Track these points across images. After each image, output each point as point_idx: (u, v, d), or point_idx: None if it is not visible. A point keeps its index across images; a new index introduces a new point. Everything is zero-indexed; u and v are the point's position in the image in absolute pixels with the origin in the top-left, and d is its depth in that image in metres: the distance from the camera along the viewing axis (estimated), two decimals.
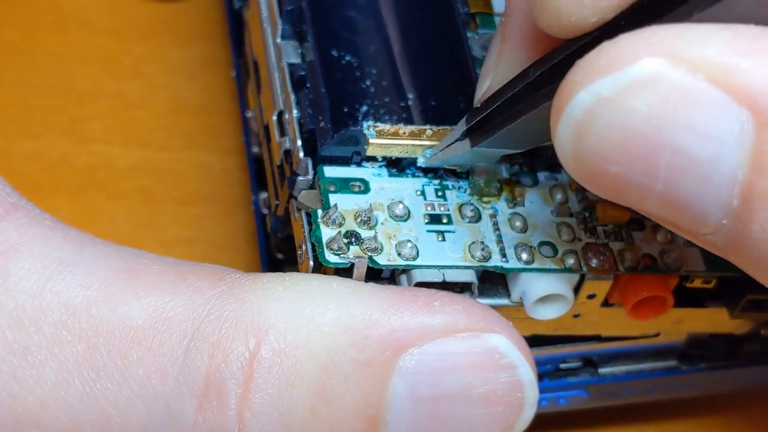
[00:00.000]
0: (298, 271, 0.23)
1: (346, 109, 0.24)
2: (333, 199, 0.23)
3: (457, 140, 0.23)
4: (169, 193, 0.32)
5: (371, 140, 0.23)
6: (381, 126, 0.24)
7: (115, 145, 0.33)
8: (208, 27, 0.35)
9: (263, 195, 0.27)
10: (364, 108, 0.25)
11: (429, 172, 0.24)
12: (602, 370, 0.27)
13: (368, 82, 0.25)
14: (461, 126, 0.23)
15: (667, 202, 0.18)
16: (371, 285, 0.21)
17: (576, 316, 0.24)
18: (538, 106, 0.20)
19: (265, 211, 0.27)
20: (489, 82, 0.23)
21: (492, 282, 0.23)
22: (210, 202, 0.32)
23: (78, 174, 0.32)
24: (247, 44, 0.29)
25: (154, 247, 0.31)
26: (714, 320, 0.25)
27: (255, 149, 0.28)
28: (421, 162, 0.24)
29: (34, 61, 0.33)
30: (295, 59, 0.25)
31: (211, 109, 0.34)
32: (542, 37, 0.21)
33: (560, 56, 0.20)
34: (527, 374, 0.21)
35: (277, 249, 0.27)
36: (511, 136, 0.22)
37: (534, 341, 0.25)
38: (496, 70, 0.23)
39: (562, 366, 0.26)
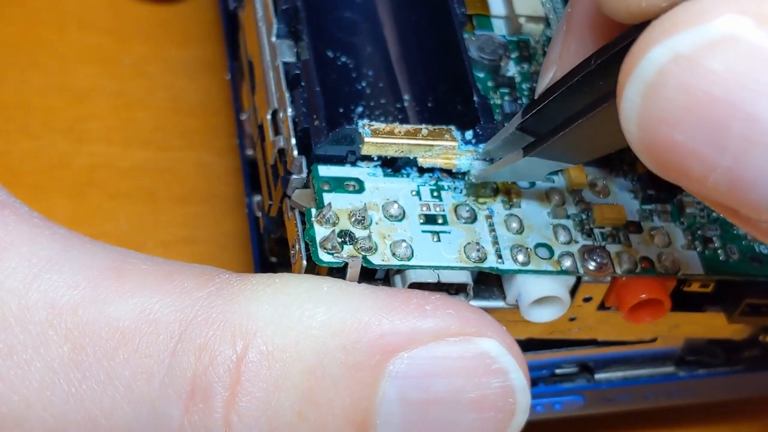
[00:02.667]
0: (291, 271, 0.22)
1: (341, 110, 0.24)
2: (327, 198, 0.22)
3: (510, 138, 0.22)
4: (169, 192, 0.32)
5: (366, 139, 0.22)
6: (376, 125, 0.23)
7: (115, 145, 0.32)
8: (208, 27, 0.35)
9: (257, 198, 0.27)
10: (360, 109, 0.24)
11: (425, 172, 0.23)
12: (598, 376, 0.26)
13: (364, 83, 0.24)
14: (517, 118, 0.21)
15: (731, 180, 0.17)
16: (363, 287, 0.20)
17: (572, 319, 0.23)
18: (597, 102, 0.19)
19: (259, 213, 0.26)
20: (551, 73, 0.22)
21: (487, 283, 0.23)
22: (210, 201, 0.32)
23: (78, 174, 0.31)
24: (242, 45, 0.28)
25: (154, 246, 0.31)
26: (712, 325, 0.24)
27: (249, 152, 0.28)
28: (472, 177, 0.23)
29: (35, 61, 0.33)
30: (290, 58, 0.24)
31: (211, 109, 0.33)
32: (608, 25, 0.20)
33: (624, 43, 0.18)
34: (519, 380, 0.20)
35: (271, 252, 0.26)
36: (567, 146, 0.20)
37: (529, 345, 0.24)
38: (560, 62, 0.22)
39: (558, 371, 0.26)
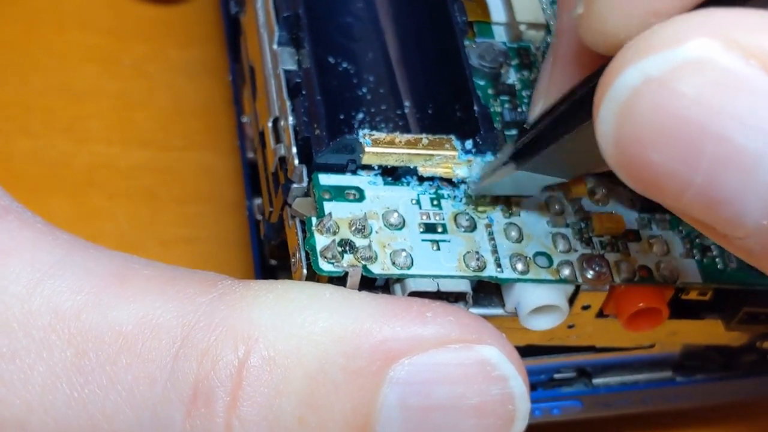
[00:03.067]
0: (291, 277, 0.23)
1: (342, 117, 0.24)
2: (327, 207, 0.22)
3: (502, 164, 0.22)
4: (170, 192, 0.32)
5: (367, 149, 0.23)
6: (377, 134, 0.23)
7: (116, 145, 0.32)
8: (208, 28, 0.35)
9: (257, 201, 0.27)
10: (360, 115, 0.24)
11: (424, 180, 0.23)
12: (597, 381, 0.26)
13: (364, 90, 0.25)
14: (508, 148, 0.22)
15: (705, 197, 0.17)
16: (364, 294, 0.21)
17: (570, 326, 0.24)
18: (584, 122, 0.19)
19: (259, 217, 0.26)
20: (541, 105, 0.22)
21: (486, 292, 0.23)
22: (210, 201, 0.32)
23: (78, 174, 0.32)
24: (243, 49, 0.28)
25: (154, 246, 0.31)
26: (710, 332, 0.25)
27: (250, 154, 0.28)
28: (469, 190, 0.23)
29: (35, 61, 0.33)
30: (292, 66, 0.24)
31: (211, 109, 0.33)
32: (593, 56, 0.20)
33: None
34: (519, 387, 0.20)
35: (271, 255, 0.26)
36: (557, 159, 0.21)
37: (528, 351, 0.24)
38: (547, 94, 0.22)
39: (556, 376, 0.26)
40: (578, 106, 0.20)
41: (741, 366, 0.26)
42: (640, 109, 0.17)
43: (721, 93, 0.16)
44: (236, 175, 0.32)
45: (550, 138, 0.21)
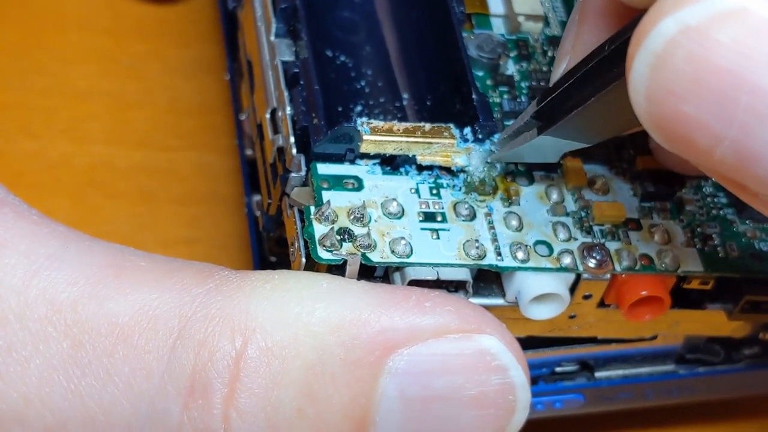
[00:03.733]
0: (290, 269, 0.22)
1: (340, 108, 0.24)
2: (326, 196, 0.22)
3: (525, 125, 0.22)
4: (169, 192, 0.32)
5: (365, 137, 0.22)
6: (375, 122, 0.23)
7: (115, 145, 0.32)
8: (206, 28, 0.35)
9: (256, 197, 0.27)
10: (359, 107, 0.24)
11: (423, 169, 0.23)
12: (599, 374, 0.26)
13: (363, 82, 0.24)
14: (531, 107, 0.22)
15: (738, 152, 0.17)
16: (362, 283, 0.20)
17: (572, 317, 0.23)
18: (610, 84, 0.19)
19: (258, 213, 0.26)
20: (565, 64, 0.22)
21: (487, 281, 0.23)
22: (209, 201, 0.32)
23: (77, 174, 0.31)
24: (241, 45, 0.28)
25: (153, 246, 0.31)
26: (712, 322, 0.24)
27: (248, 152, 0.28)
28: (489, 157, 0.23)
29: (34, 62, 0.33)
30: (289, 57, 0.24)
31: (210, 109, 0.33)
32: (621, 12, 0.20)
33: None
34: (519, 377, 0.20)
35: (270, 252, 0.26)
36: (580, 124, 0.20)
37: (529, 343, 0.24)
38: (573, 50, 0.22)
39: (558, 369, 0.25)
40: (607, 64, 0.19)
41: (744, 359, 0.26)
42: (676, 60, 0.17)
43: (759, 43, 0.16)
44: (235, 175, 0.32)
45: (575, 100, 0.20)
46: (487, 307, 0.22)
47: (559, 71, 0.22)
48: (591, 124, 0.21)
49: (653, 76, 0.17)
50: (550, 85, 0.22)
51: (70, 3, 0.34)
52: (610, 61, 0.19)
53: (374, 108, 0.24)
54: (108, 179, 0.31)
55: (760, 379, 0.26)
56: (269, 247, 0.26)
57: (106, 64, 0.33)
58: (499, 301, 0.22)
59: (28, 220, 0.21)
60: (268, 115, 0.24)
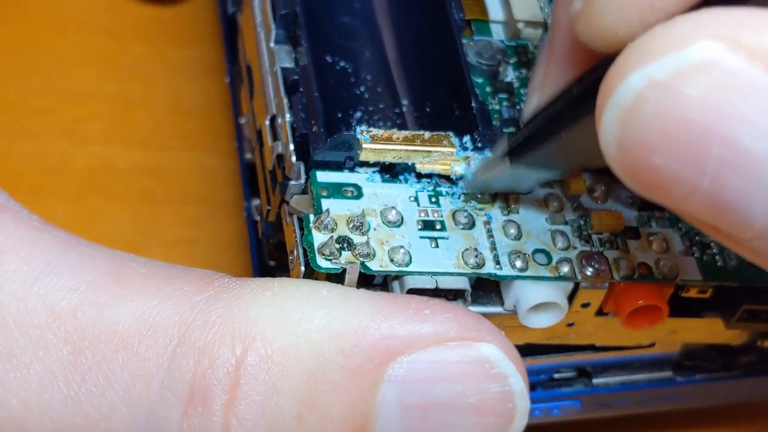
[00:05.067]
0: (289, 275, 0.22)
1: (339, 115, 0.24)
2: (325, 204, 0.22)
3: (496, 160, 0.22)
4: (169, 193, 0.32)
5: (365, 145, 0.22)
6: (375, 131, 0.23)
7: (115, 146, 0.32)
8: (207, 28, 0.35)
9: (255, 202, 0.26)
10: (358, 114, 0.24)
11: (423, 177, 0.23)
12: (596, 381, 0.26)
13: (362, 88, 0.24)
14: (502, 144, 0.22)
15: (712, 200, 0.17)
16: (362, 291, 0.20)
17: (570, 324, 0.23)
18: (579, 121, 0.19)
19: (257, 217, 0.26)
20: (535, 101, 0.22)
21: (485, 289, 0.22)
22: (210, 202, 0.32)
23: (78, 175, 0.31)
24: (241, 49, 0.28)
25: (154, 247, 0.31)
26: (710, 331, 0.24)
27: (248, 156, 0.28)
28: (463, 187, 0.23)
29: (34, 63, 0.33)
30: (289, 63, 0.24)
31: (210, 110, 0.33)
32: (588, 52, 0.20)
33: (604, 71, 0.18)
34: (518, 384, 0.20)
35: (270, 256, 0.26)
36: (551, 155, 0.21)
37: (527, 350, 0.24)
38: (542, 89, 0.22)
39: (556, 376, 0.25)
40: (575, 103, 0.20)
41: (741, 366, 0.26)
42: (645, 114, 0.17)
43: (727, 95, 0.16)
44: (235, 176, 0.32)
45: (545, 134, 0.20)
46: (486, 315, 0.22)
47: (528, 108, 0.22)
48: (562, 156, 0.21)
49: (623, 128, 0.17)
50: (521, 122, 0.22)
51: (70, 4, 0.34)
52: (578, 101, 0.19)
53: (373, 114, 0.24)
54: (108, 180, 0.31)
55: (757, 387, 0.26)
56: (268, 251, 0.26)
57: (106, 65, 0.33)
58: (498, 309, 0.22)
59: (29, 226, 0.21)
60: (267, 122, 0.24)
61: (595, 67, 0.19)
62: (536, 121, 0.21)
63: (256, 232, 0.27)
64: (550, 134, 0.20)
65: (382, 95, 0.24)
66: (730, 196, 0.17)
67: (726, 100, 0.16)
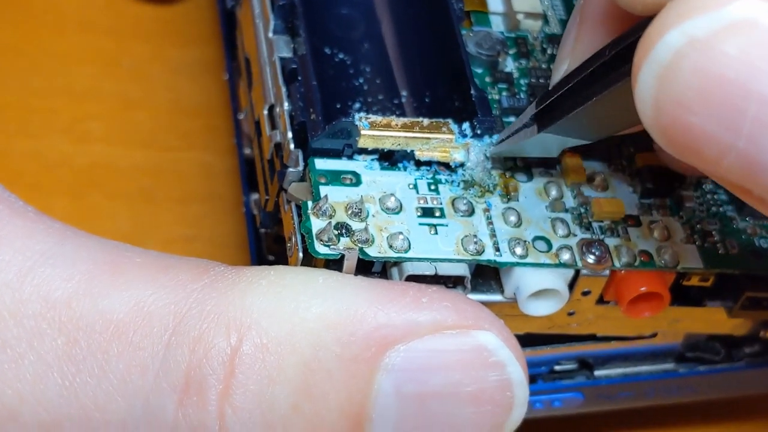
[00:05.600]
0: (287, 264, 0.22)
1: (338, 105, 0.23)
2: (324, 191, 0.21)
3: (524, 126, 0.22)
4: (170, 192, 0.31)
5: (363, 131, 0.22)
6: (373, 117, 0.22)
7: (115, 145, 0.32)
8: (207, 28, 0.34)
9: (254, 196, 0.26)
10: (357, 104, 0.23)
11: (422, 165, 0.23)
12: (598, 373, 0.25)
13: (361, 78, 0.24)
14: (530, 109, 0.22)
15: (747, 161, 0.17)
16: (359, 279, 0.20)
17: (570, 313, 0.23)
18: (611, 85, 0.19)
19: (256, 211, 0.26)
20: (566, 65, 0.22)
21: (485, 277, 0.22)
22: (210, 201, 0.31)
23: (78, 174, 0.31)
24: (240, 43, 0.28)
25: (153, 246, 0.30)
26: (712, 320, 0.24)
27: (246, 151, 0.27)
28: (488, 152, 0.22)
29: (34, 62, 0.33)
30: (287, 53, 0.24)
31: (211, 110, 0.33)
32: (622, 16, 0.20)
33: (639, 35, 0.18)
34: (517, 373, 0.20)
35: (269, 250, 0.25)
36: (580, 122, 0.21)
37: (528, 341, 0.23)
38: (573, 54, 0.22)
39: (557, 368, 0.25)
40: (608, 68, 0.19)
41: (744, 357, 0.26)
42: (683, 71, 0.16)
43: (766, 54, 0.16)
44: (234, 175, 0.31)
45: (575, 101, 0.20)
46: (486, 303, 0.21)
47: (559, 74, 0.22)
48: (591, 122, 0.20)
49: (660, 86, 0.17)
50: (550, 87, 0.21)
51: (70, 3, 0.34)
52: (610, 67, 0.19)
53: (372, 105, 0.24)
54: (108, 179, 0.31)
55: (760, 378, 0.26)
56: (267, 245, 0.26)
57: (106, 65, 0.33)
58: (498, 297, 0.22)
59: (24, 217, 0.21)
60: (265, 112, 0.24)
61: (631, 30, 0.19)
62: (567, 87, 0.20)
63: (255, 227, 0.26)
64: (581, 100, 0.20)
65: (381, 86, 0.24)
66: (766, 157, 0.16)
67: (764, 59, 0.16)
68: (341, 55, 0.24)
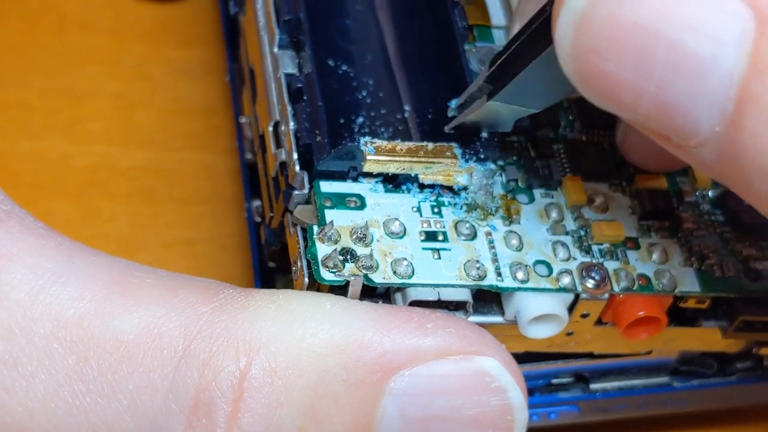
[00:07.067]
0: (290, 279, 0.22)
1: (342, 121, 0.24)
2: (329, 215, 0.22)
3: (477, 91, 0.22)
4: (170, 193, 0.31)
5: (369, 156, 0.22)
6: (378, 142, 0.23)
7: (116, 146, 0.32)
8: (208, 28, 0.34)
9: (256, 203, 0.26)
10: (360, 119, 0.24)
11: (425, 187, 0.23)
12: (594, 386, 0.26)
13: (364, 94, 0.24)
14: (484, 72, 0.22)
15: (659, 105, 0.17)
16: (364, 304, 0.20)
17: (569, 334, 0.23)
18: (547, 47, 0.19)
19: (258, 219, 0.26)
20: (518, 26, 0.22)
21: (486, 299, 0.23)
22: (211, 202, 0.32)
23: (78, 174, 0.31)
24: (243, 50, 0.28)
25: (154, 247, 0.31)
26: (707, 339, 0.24)
27: (248, 155, 0.28)
28: (445, 127, 0.23)
29: (35, 62, 0.33)
30: (292, 69, 0.24)
31: (211, 110, 0.33)
32: None
33: None
34: (518, 398, 0.20)
35: (270, 258, 0.26)
36: (524, 89, 0.21)
37: (526, 356, 0.24)
38: (522, 16, 0.22)
39: (554, 381, 0.26)
40: (545, 27, 0.20)
41: (736, 372, 0.26)
42: (596, 19, 0.17)
43: (673, 1, 0.17)
44: (236, 176, 0.32)
45: (519, 64, 0.21)
46: (486, 325, 0.22)
47: (512, 32, 0.22)
48: (534, 87, 0.21)
49: (576, 35, 0.17)
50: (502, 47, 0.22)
51: (71, 3, 0.34)
52: (547, 25, 0.19)
53: (375, 120, 0.24)
54: (109, 180, 0.31)
55: (751, 392, 0.27)
56: (268, 253, 0.26)
57: (107, 65, 0.33)
58: (498, 319, 0.23)
59: (35, 234, 0.21)
60: (270, 128, 0.24)
61: None
62: (510, 50, 0.21)
63: (257, 232, 0.27)
64: (524, 63, 0.20)
65: (384, 101, 0.24)
66: (677, 100, 0.17)
67: (672, 6, 0.17)
68: (345, 68, 0.25)
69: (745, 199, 0.18)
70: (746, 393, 0.27)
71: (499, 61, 0.21)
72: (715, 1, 0.16)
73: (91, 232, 0.31)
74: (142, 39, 0.34)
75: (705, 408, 0.27)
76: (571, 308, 0.23)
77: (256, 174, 0.26)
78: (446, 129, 0.23)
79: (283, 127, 0.23)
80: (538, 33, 0.20)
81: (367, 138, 0.23)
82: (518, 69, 0.21)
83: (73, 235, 0.29)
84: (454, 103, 0.23)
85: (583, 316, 0.23)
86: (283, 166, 0.23)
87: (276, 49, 0.25)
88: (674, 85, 0.17)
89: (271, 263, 0.26)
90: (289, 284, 0.23)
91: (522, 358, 0.23)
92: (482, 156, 0.23)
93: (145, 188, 0.31)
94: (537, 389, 0.26)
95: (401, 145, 0.23)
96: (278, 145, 0.24)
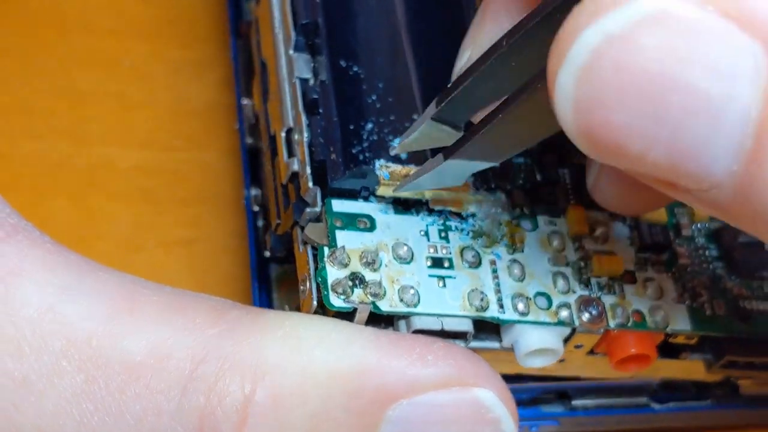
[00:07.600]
0: (285, 269, 0.22)
1: (351, 127, 0.23)
2: (340, 237, 0.22)
3: (424, 133, 0.20)
4: (171, 193, 0.31)
5: (383, 182, 0.22)
6: (393, 166, 0.23)
7: (116, 146, 0.31)
8: (209, 28, 0.34)
9: (255, 192, 0.26)
10: (369, 125, 0.23)
11: (434, 211, 0.23)
12: (575, 403, 0.26)
13: (377, 99, 0.24)
14: (431, 109, 0.20)
15: (671, 152, 0.16)
16: (369, 332, 0.20)
17: (561, 361, 0.24)
18: (515, 99, 0.18)
19: (256, 208, 0.26)
20: (468, 55, 0.21)
21: (486, 329, 0.23)
22: (211, 202, 0.31)
23: (79, 175, 0.31)
24: (254, 41, 0.27)
25: (154, 247, 0.30)
26: (690, 370, 0.25)
27: (249, 140, 0.27)
28: (394, 191, 0.22)
29: (35, 63, 0.32)
30: (307, 74, 0.23)
31: (212, 110, 0.33)
32: (522, 2, 0.19)
33: (534, 21, 0.17)
34: (510, 427, 0.21)
35: (266, 247, 0.25)
36: (487, 144, 0.19)
37: (513, 377, 0.24)
38: (474, 43, 0.21)
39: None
40: (506, 59, 0.18)
41: (713, 397, 0.27)
42: (603, 70, 0.16)
43: (684, 42, 0.16)
44: (236, 176, 0.31)
45: (474, 98, 0.19)
46: (483, 351, 0.22)
47: (459, 64, 0.21)
48: (500, 141, 0.19)
49: (580, 88, 0.16)
50: (451, 82, 0.21)
51: (71, 3, 0.33)
52: (509, 57, 0.18)
53: (388, 125, 0.23)
54: (109, 180, 0.31)
55: (727, 416, 0.27)
56: (265, 243, 0.26)
57: (107, 65, 0.32)
58: (495, 345, 0.23)
59: (43, 249, 0.21)
60: (283, 134, 0.23)
61: (527, 18, 0.18)
62: (465, 82, 0.19)
63: (254, 223, 0.26)
64: (487, 118, 0.18)
65: (399, 107, 0.24)
66: (692, 143, 0.16)
67: (683, 47, 0.16)
68: (360, 74, 0.24)
69: (761, 237, 0.17)
70: (722, 416, 0.27)
71: (448, 99, 0.19)
72: (724, 38, 0.16)
73: (90, 232, 0.30)
74: (142, 39, 0.33)
75: (682, 425, 0.27)
76: (566, 340, 0.23)
77: (257, 160, 0.26)
78: (392, 192, 0.22)
79: (296, 136, 0.23)
80: (497, 72, 0.19)
81: (382, 161, 0.23)
82: (479, 126, 0.19)
83: (73, 235, 0.29)
84: (396, 142, 0.22)
85: (577, 347, 0.23)
86: (295, 176, 0.23)
87: (292, 52, 0.24)
88: (688, 129, 0.16)
89: (266, 253, 0.26)
90: (284, 276, 0.23)
91: (510, 377, 0.23)
92: (493, 185, 0.23)
93: (146, 188, 0.31)
94: (520, 403, 0.26)
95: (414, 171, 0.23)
96: (290, 153, 0.23)
